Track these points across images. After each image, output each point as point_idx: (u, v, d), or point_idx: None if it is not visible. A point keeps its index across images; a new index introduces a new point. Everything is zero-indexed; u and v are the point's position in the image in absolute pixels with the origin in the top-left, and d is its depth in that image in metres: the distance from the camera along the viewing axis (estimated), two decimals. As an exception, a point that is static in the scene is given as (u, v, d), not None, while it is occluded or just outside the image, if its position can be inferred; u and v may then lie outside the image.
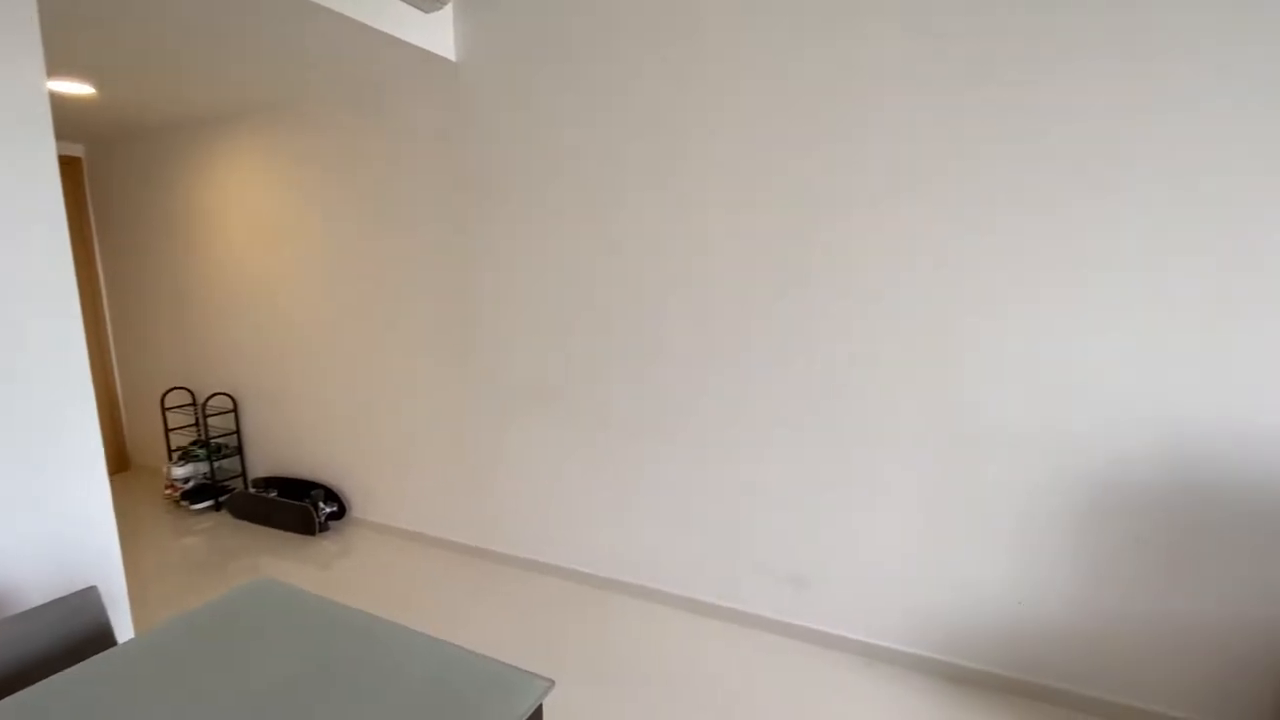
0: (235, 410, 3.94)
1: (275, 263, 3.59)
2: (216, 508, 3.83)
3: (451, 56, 2.74)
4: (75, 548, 1.74)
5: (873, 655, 2.30)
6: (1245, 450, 1.75)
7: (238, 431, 3.95)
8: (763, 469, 2.40)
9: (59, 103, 3.10)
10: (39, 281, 1.64)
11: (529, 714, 1.04)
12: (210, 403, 3.95)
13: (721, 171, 2.31)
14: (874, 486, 2.23)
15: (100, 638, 1.40)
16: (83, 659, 1.22)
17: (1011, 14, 1.83)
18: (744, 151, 2.26)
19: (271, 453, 3.87)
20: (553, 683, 1.11)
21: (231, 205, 3.69)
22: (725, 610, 2.54)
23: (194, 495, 3.81)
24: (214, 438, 3.93)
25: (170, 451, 3.93)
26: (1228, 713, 1.86)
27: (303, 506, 3.42)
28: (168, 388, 4.06)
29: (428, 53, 2.62)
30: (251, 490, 3.79)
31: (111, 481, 1.81)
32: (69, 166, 4.16)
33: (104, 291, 4.45)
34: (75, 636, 1.36)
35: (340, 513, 3.55)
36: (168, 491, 3.89)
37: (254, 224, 3.62)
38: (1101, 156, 1.79)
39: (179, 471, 3.85)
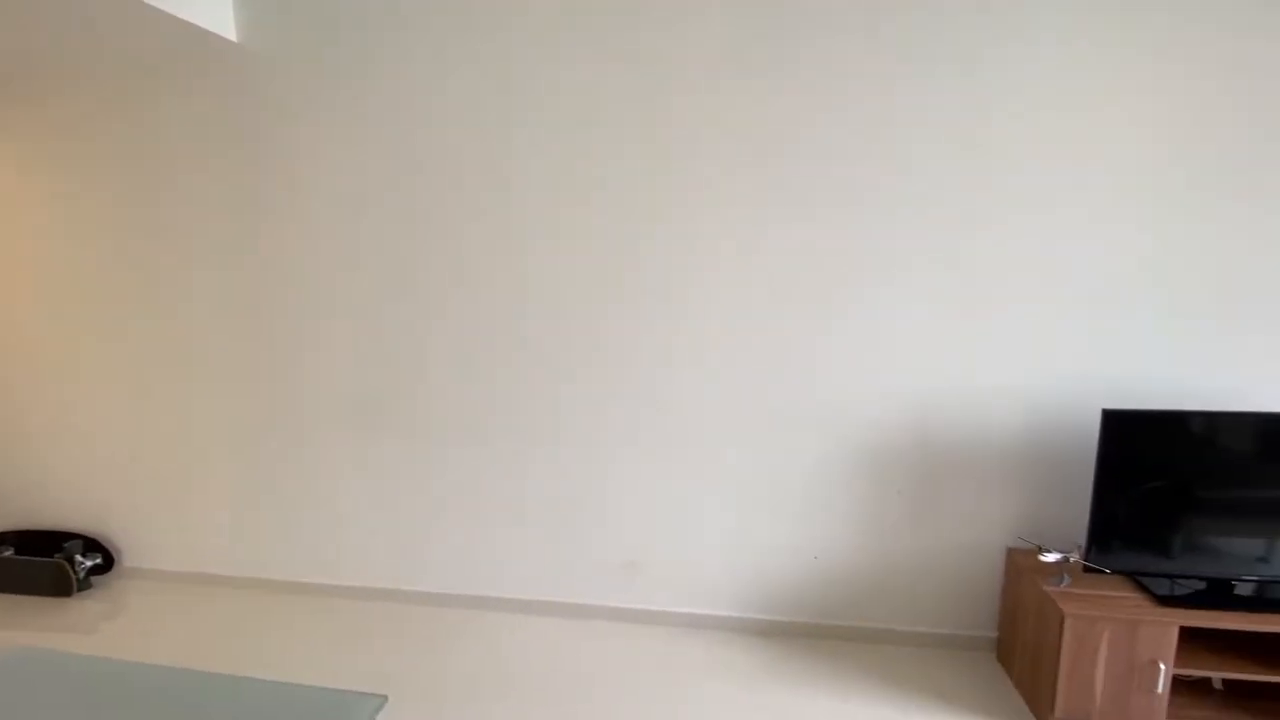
0: (-59, 455, 3.12)
1: (-4, 270, 2.92)
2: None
3: (232, 36, 2.45)
4: None
5: (699, 625, 2.51)
6: (966, 411, 2.22)
7: (-53, 482, 3.14)
8: (592, 464, 2.50)
9: None
10: None
11: (361, 734, 1.00)
12: (-100, 448, 3.09)
13: (537, 170, 2.35)
14: (695, 470, 2.43)
15: None
16: None
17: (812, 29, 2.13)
18: (561, 152, 2.32)
19: (3, 503, 3.13)
20: (385, 698, 1.08)
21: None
22: (565, 606, 2.59)
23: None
24: (-92, 492, 3.08)
25: None
26: (964, 620, 2.35)
27: (53, 563, 2.82)
28: None
29: (201, 30, 2.31)
30: (-26, 552, 3.03)
31: None
32: None
33: None
34: None
35: (107, 565, 2.99)
36: None
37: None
38: (863, 174, 2.16)
39: None
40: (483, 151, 2.38)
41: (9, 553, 2.94)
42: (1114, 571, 1.98)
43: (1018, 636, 2.15)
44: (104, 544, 3.01)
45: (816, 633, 2.44)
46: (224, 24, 2.40)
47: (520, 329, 2.45)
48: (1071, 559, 2.03)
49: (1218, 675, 1.91)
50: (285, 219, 2.58)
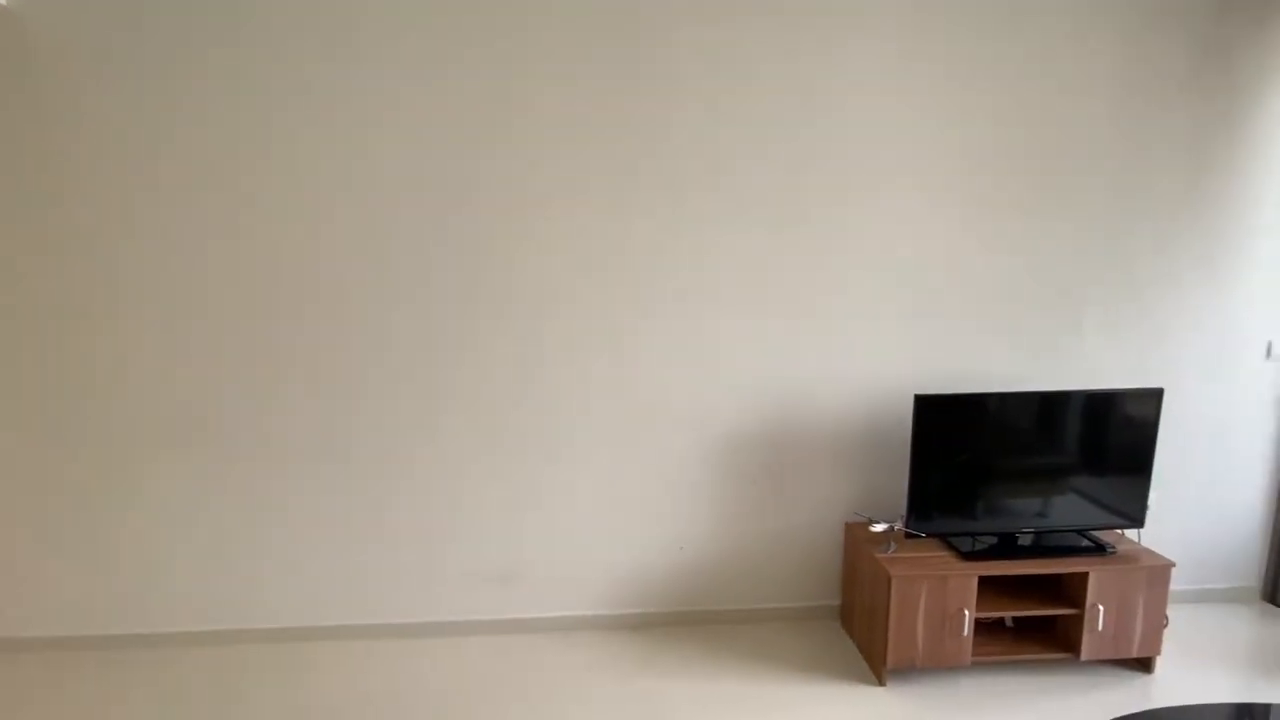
0: None
1: None
2: None
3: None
4: None
5: (578, 626, 2.53)
6: (805, 402, 2.45)
7: None
8: (459, 475, 2.43)
9: None
10: None
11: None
12: None
13: (392, 168, 2.23)
14: (565, 473, 2.45)
15: None
16: None
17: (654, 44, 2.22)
18: (414, 151, 2.23)
19: None
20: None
21: None
22: (436, 626, 2.50)
23: None
24: None
25: None
26: (812, 592, 2.60)
27: None
28: None
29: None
30: None
31: None
32: None
33: None
34: None
35: None
36: None
37: None
38: (700, 178, 2.30)
39: None
40: (330, 144, 2.20)
41: None
42: (929, 535, 2.28)
43: (856, 601, 2.41)
44: None
45: (687, 620, 2.56)
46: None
47: (378, 335, 2.32)
48: (896, 527, 2.31)
49: (1009, 614, 2.27)
50: (70, 218, 2.22)
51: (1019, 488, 2.33)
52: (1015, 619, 2.34)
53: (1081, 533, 2.32)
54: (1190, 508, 2.60)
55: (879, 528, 2.31)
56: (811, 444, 2.48)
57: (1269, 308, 2.53)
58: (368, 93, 2.18)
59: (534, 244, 2.31)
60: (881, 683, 2.19)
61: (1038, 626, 2.32)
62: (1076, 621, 2.18)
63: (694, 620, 2.56)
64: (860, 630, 2.38)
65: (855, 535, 2.42)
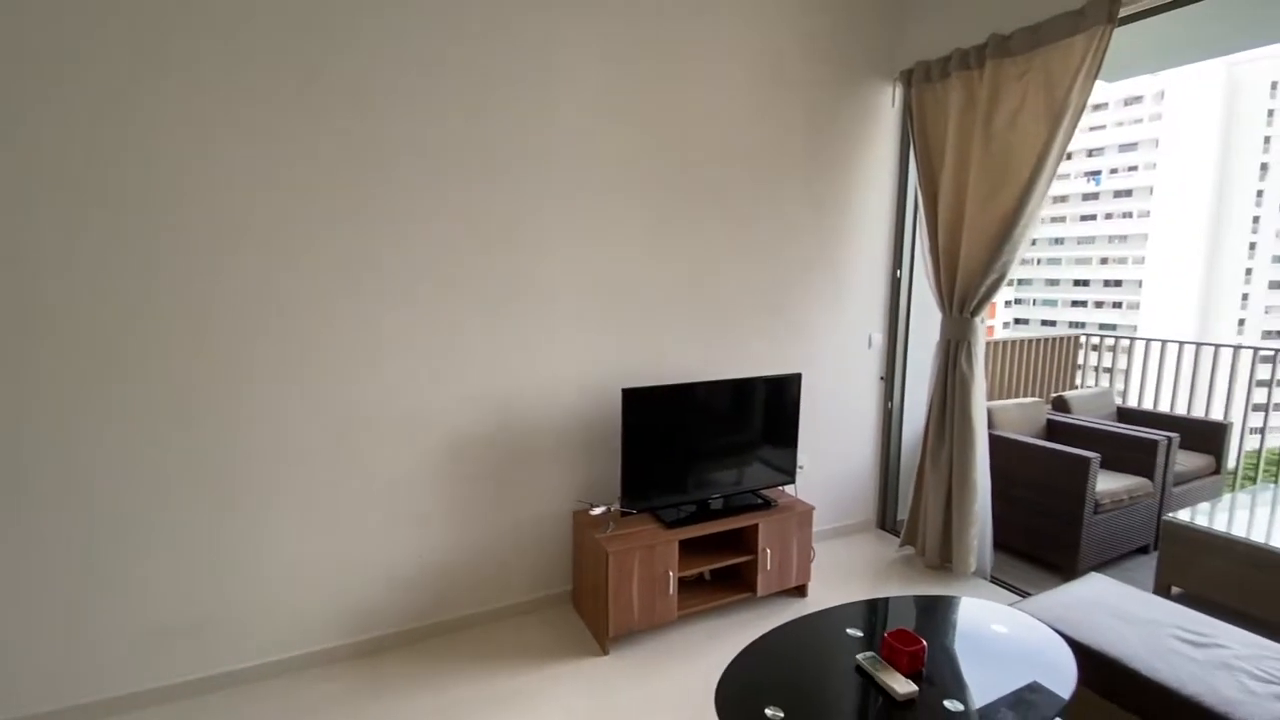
0: None
1: None
2: None
3: None
4: None
5: (301, 666, 2.31)
6: (531, 403, 2.60)
7: None
8: (119, 516, 2.05)
9: None
10: None
11: None
12: None
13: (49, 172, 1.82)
14: (270, 500, 2.22)
15: None
16: None
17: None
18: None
19: None
20: None
21: None
22: (108, 704, 2.06)
23: None
24: None
25: None
26: (547, 581, 2.75)
27: None
28: None
29: None
30: None
31: None
32: None
33: None
34: None
35: None
36: None
37: None
38: (415, 191, 2.30)
39: None
40: None
41: None
42: (640, 511, 2.60)
43: (584, 582, 2.63)
44: None
45: (426, 634, 2.51)
46: None
47: (27, 353, 1.85)
48: (613, 508, 2.58)
49: (706, 569, 2.69)
50: None
51: (709, 461, 2.75)
52: (712, 572, 2.78)
53: (755, 493, 2.86)
54: (827, 463, 3.37)
55: (598, 511, 2.55)
56: (539, 440, 2.64)
57: (868, 313, 3.42)
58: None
59: (244, 249, 2.06)
60: (605, 652, 2.43)
61: (729, 575, 2.79)
62: (752, 565, 2.69)
63: (433, 632, 2.52)
64: (587, 607, 2.60)
65: (580, 521, 2.63)
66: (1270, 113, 33.24)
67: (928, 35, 3.06)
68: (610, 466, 2.72)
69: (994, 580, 3.01)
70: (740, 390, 2.79)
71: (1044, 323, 41.47)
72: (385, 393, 2.34)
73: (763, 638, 1.81)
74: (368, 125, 2.20)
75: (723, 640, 2.51)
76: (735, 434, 2.81)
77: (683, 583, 2.62)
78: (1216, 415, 4.31)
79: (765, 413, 2.85)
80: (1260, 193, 33.59)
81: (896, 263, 3.42)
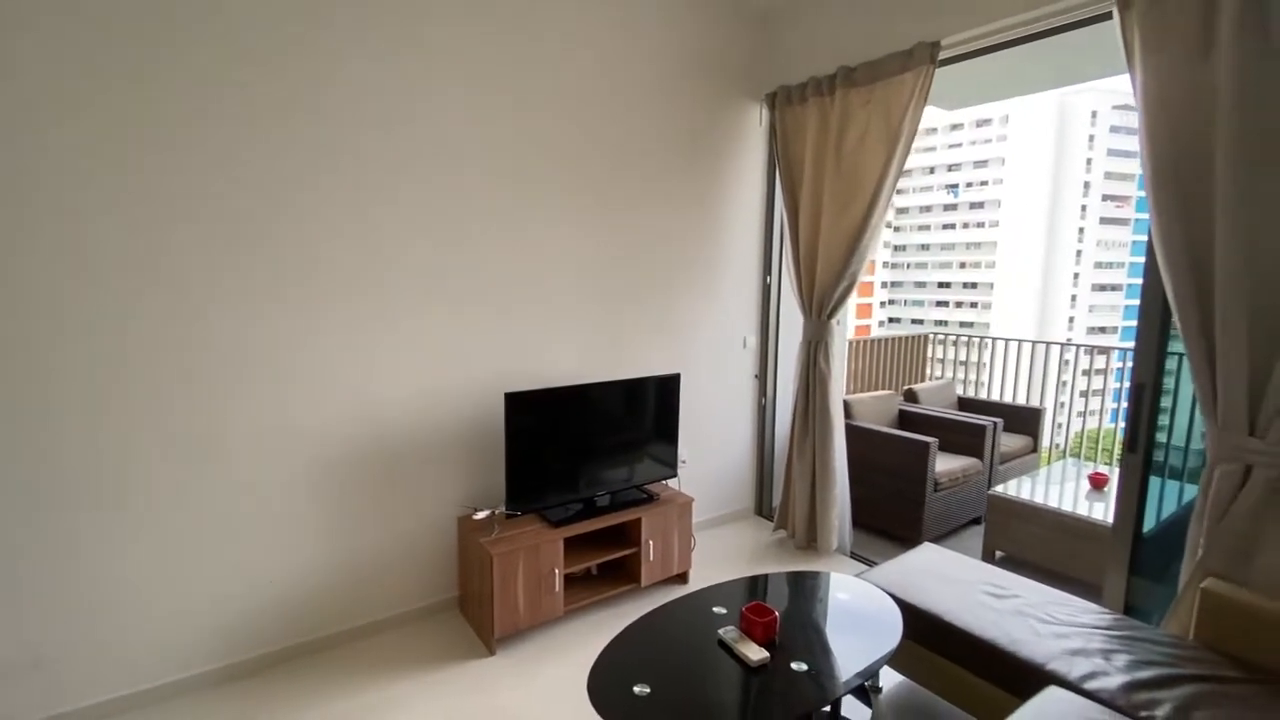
0: None
1: None
2: None
3: None
4: None
5: (166, 695, 2.17)
6: (415, 412, 2.58)
7: None
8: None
9: None
10: None
11: None
12: None
13: None
14: (127, 520, 2.07)
15: None
16: None
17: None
18: None
19: None
20: None
21: None
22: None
23: None
24: None
25: None
26: (433, 589, 2.73)
27: None
28: None
29: None
30: None
31: None
32: None
33: None
34: None
35: None
36: None
37: None
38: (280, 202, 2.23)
39: None
40: None
41: None
42: (525, 512, 2.66)
43: (470, 586, 2.65)
44: None
45: (310, 649, 2.43)
46: None
47: None
48: (497, 512, 2.62)
49: (593, 564, 2.80)
50: None
51: (593, 460, 2.84)
52: (599, 566, 2.89)
53: (639, 488, 3.00)
54: (709, 456, 3.59)
55: (481, 515, 2.58)
56: (415, 451, 2.62)
57: (743, 316, 3.67)
58: None
59: (90, 255, 1.90)
60: (492, 652, 2.47)
61: (615, 568, 2.91)
62: (636, 557, 2.83)
63: (312, 649, 2.44)
64: (474, 611, 2.62)
65: (465, 526, 2.65)
66: (1091, 138, 38.52)
67: (789, 62, 3.35)
68: (497, 470, 2.75)
69: (853, 555, 3.35)
70: (621, 391, 2.91)
71: (914, 321, 45.54)
72: (244, 406, 2.24)
73: (635, 623, 1.94)
74: (213, 124, 2.11)
75: (608, 631, 2.57)
76: (618, 433, 2.94)
77: (570, 579, 2.70)
78: (1047, 404, 5.01)
79: (646, 411, 3.00)
80: (1084, 207, 38.87)
81: (766, 269, 3.70)
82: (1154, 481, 2.39)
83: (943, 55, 2.69)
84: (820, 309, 3.21)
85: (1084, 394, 5.24)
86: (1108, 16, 2.15)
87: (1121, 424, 3.15)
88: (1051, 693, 1.65)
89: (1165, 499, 2.46)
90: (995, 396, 5.38)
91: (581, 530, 2.67)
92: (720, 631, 1.85)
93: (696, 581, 3.02)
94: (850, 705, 2.03)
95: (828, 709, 1.89)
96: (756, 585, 2.26)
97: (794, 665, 1.74)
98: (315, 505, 2.41)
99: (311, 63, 2.23)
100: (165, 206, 2.03)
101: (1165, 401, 2.33)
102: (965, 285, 43.28)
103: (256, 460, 2.28)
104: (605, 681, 1.67)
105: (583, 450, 2.81)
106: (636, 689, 1.62)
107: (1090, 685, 1.69)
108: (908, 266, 46.64)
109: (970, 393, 5.64)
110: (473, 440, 2.74)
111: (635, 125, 3.08)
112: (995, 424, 3.93)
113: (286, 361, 2.29)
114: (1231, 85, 1.79)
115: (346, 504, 2.48)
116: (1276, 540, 1.83)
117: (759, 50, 3.49)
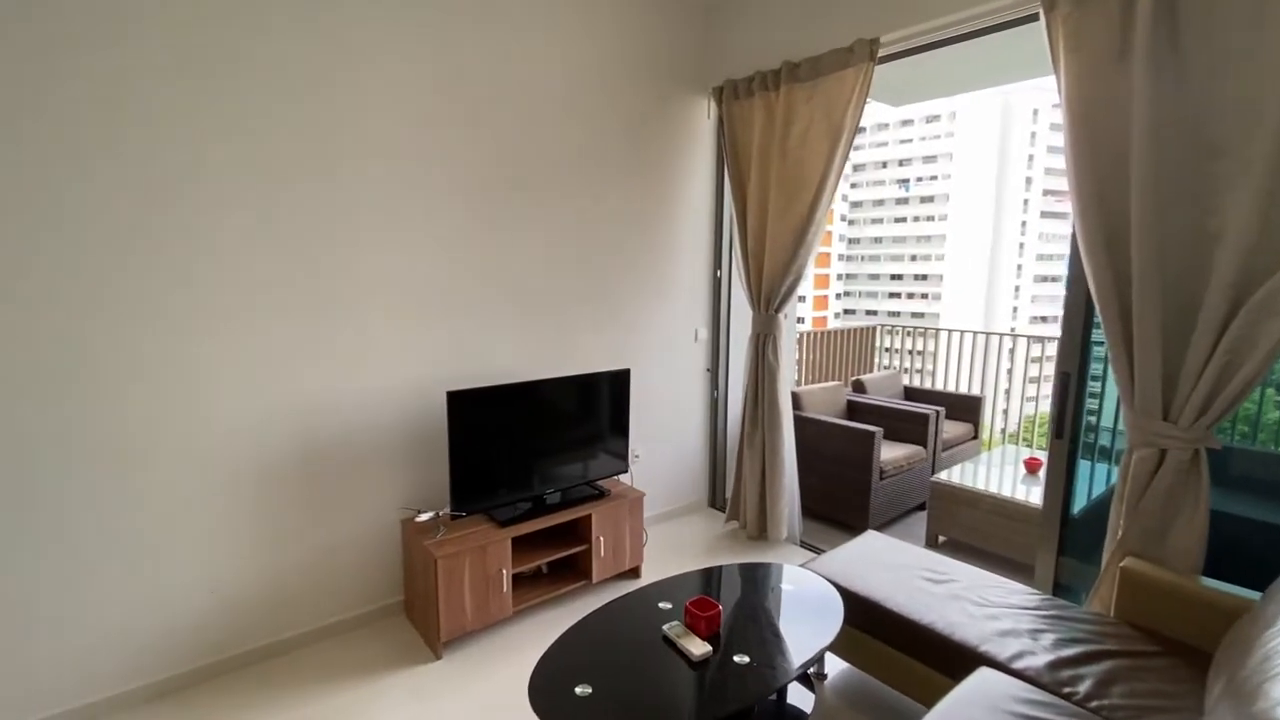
0: None
1: None
2: None
3: None
4: None
5: (96, 714, 2.06)
6: (353, 413, 2.49)
7: None
8: None
9: None
10: None
11: None
12: None
13: None
14: (39, 532, 1.94)
15: None
16: None
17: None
18: None
19: None
20: None
21: None
22: None
23: None
24: None
25: None
26: (377, 593, 2.66)
27: None
28: None
29: None
30: None
31: None
32: None
33: None
34: None
35: None
36: None
37: None
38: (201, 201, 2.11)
39: None
40: None
41: None
42: (472, 513, 2.60)
43: (415, 589, 2.58)
44: None
45: (246, 660, 2.33)
46: None
47: None
48: (441, 513, 2.56)
49: (542, 563, 2.77)
50: None
51: (541, 458, 2.80)
52: (549, 564, 2.86)
53: (591, 484, 2.97)
54: (662, 450, 3.59)
55: (424, 517, 2.52)
56: (363, 451, 2.54)
57: (694, 310, 3.68)
58: None
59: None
60: (438, 656, 2.41)
61: (566, 565, 2.89)
62: (587, 554, 2.81)
63: (256, 658, 2.35)
64: (419, 614, 2.56)
65: (409, 529, 2.58)
66: (1033, 134, 40.05)
67: (736, 56, 3.35)
68: (442, 471, 2.68)
69: (803, 544, 3.40)
70: (569, 387, 2.88)
71: (868, 312, 46.71)
72: (169, 412, 2.13)
73: (579, 622, 1.93)
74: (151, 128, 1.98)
75: (559, 628, 2.53)
76: (567, 430, 2.91)
77: (519, 578, 2.67)
78: (988, 392, 5.18)
79: (596, 408, 2.98)
80: (1026, 201, 40.45)
81: (717, 263, 3.71)
82: (1085, 465, 2.50)
83: (882, 52, 2.73)
84: (768, 302, 3.24)
85: (1034, 380, 5.43)
86: (1035, 18, 2.21)
87: (1055, 411, 3.28)
88: (983, 673, 1.71)
89: (1095, 482, 2.57)
90: (941, 386, 5.55)
91: (530, 529, 2.63)
92: (665, 627, 1.85)
93: (649, 575, 3.02)
94: (796, 693, 2.06)
95: (773, 698, 1.92)
96: (703, 579, 2.27)
97: (736, 658, 1.75)
98: (245, 512, 2.31)
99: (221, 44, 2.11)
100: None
101: (1096, 387, 2.44)
102: (917, 277, 44.60)
103: (176, 467, 2.16)
104: (546, 684, 1.65)
105: (530, 449, 2.77)
106: (578, 690, 1.61)
107: (1018, 665, 1.76)
108: (862, 259, 47.78)
109: (918, 382, 5.81)
110: (416, 442, 2.67)
111: (583, 120, 3.03)
112: (938, 412, 4.05)
113: (218, 366, 2.18)
114: (1145, 88, 1.87)
115: (280, 510, 2.38)
116: (1188, 520, 1.93)
117: (706, 43, 3.48)
